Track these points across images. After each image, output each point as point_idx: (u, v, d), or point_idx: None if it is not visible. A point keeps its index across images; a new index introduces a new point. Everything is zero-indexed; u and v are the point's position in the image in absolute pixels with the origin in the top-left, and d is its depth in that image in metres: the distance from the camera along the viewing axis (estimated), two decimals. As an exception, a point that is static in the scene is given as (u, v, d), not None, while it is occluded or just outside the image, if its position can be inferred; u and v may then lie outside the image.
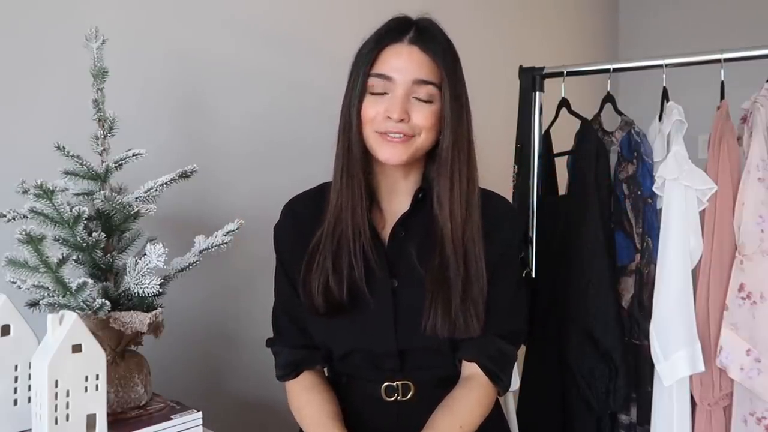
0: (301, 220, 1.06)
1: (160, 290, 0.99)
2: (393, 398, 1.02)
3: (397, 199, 1.05)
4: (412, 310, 0.99)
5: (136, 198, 1.05)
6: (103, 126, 1.05)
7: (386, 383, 1.02)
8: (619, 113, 1.59)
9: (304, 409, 1.03)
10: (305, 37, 1.64)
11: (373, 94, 0.97)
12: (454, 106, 0.97)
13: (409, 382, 1.02)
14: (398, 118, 0.95)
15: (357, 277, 0.98)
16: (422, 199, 1.03)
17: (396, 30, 0.98)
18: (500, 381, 1.02)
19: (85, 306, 0.93)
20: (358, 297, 0.99)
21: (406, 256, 1.01)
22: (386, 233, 1.04)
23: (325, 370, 1.12)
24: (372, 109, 0.97)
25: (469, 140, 1.00)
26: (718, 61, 1.45)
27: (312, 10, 1.66)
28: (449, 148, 0.98)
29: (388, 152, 0.97)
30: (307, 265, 1.01)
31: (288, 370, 1.06)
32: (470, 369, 1.03)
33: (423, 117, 0.96)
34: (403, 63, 0.95)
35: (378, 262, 1.01)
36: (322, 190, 1.06)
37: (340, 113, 1.01)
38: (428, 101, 0.96)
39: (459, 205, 0.99)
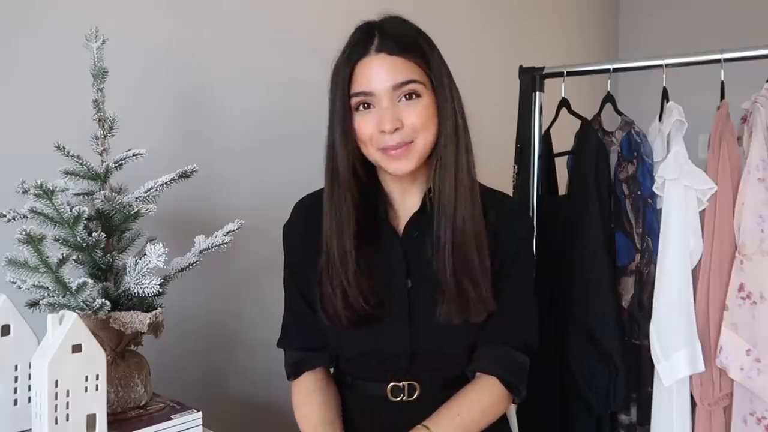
0: (312, 221, 1.06)
1: (160, 290, 0.99)
2: (398, 398, 1.02)
3: (410, 199, 1.06)
4: (426, 310, 0.99)
5: (136, 198, 1.05)
6: (103, 126, 1.05)
7: (392, 383, 1.02)
8: (619, 113, 1.59)
9: (302, 412, 1.04)
10: (304, 34, 1.64)
11: (360, 110, 0.97)
12: (439, 93, 0.97)
13: (415, 383, 1.02)
14: (391, 129, 0.94)
15: (368, 297, 0.98)
16: (431, 198, 1.03)
17: (361, 41, 0.97)
18: (519, 392, 1.03)
19: (85, 306, 0.93)
20: (375, 309, 0.99)
21: (420, 255, 1.02)
22: (401, 232, 1.05)
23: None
24: (366, 126, 0.96)
25: (456, 124, 0.99)
26: (718, 61, 1.45)
27: (311, 9, 1.66)
28: (440, 137, 0.98)
29: (394, 166, 0.97)
30: (320, 281, 1.01)
31: (289, 371, 1.08)
32: (486, 376, 1.03)
33: (415, 116, 0.95)
34: (377, 73, 0.94)
35: (395, 263, 1.02)
36: None
37: (327, 137, 1.00)
38: (416, 97, 0.96)
39: (449, 193, 0.98)
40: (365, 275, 0.99)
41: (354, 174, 0.99)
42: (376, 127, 0.95)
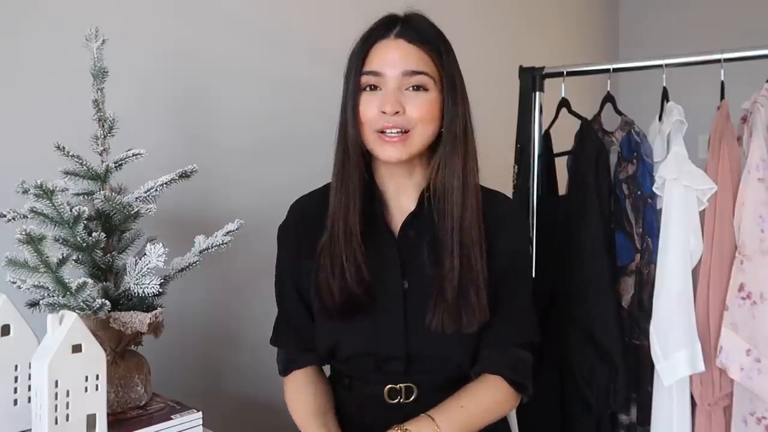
0: (307, 221, 1.06)
1: (160, 290, 0.99)
2: (396, 401, 1.02)
3: (405, 198, 1.05)
4: (422, 312, 0.98)
5: (136, 198, 1.05)
6: (103, 126, 1.05)
7: (389, 385, 1.02)
8: (619, 113, 1.59)
9: (293, 404, 1.06)
10: (304, 34, 1.64)
11: (366, 91, 0.97)
12: (450, 95, 0.97)
13: (412, 385, 1.02)
14: (392, 111, 0.94)
15: (365, 279, 0.98)
16: (429, 198, 1.03)
17: (383, 27, 0.98)
18: (526, 389, 1.03)
19: (85, 306, 0.93)
20: (369, 299, 0.99)
21: (417, 256, 1.01)
22: (397, 232, 1.04)
23: (329, 368, 1.13)
24: (368, 107, 0.97)
25: (465, 128, 0.99)
26: (718, 61, 1.45)
27: (312, 9, 1.66)
28: (446, 138, 0.99)
29: (387, 152, 0.97)
30: (318, 262, 1.01)
31: (280, 368, 1.10)
32: (491, 375, 1.03)
33: (417, 107, 0.96)
34: (391, 56, 0.96)
35: (390, 263, 1.01)
36: (328, 190, 1.06)
37: (339, 116, 1.01)
38: (422, 89, 0.96)
39: (456, 196, 0.98)
40: (364, 263, 0.99)
41: (363, 155, 1.00)
42: (377, 108, 0.96)
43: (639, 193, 1.49)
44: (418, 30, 0.98)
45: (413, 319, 1.00)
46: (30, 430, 0.91)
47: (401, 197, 1.05)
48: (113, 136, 1.06)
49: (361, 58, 0.97)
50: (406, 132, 0.96)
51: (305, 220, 1.07)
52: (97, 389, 0.89)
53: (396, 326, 1.00)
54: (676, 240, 1.39)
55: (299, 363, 1.08)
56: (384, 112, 0.95)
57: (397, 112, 0.95)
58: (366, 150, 1.00)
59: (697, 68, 1.52)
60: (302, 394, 1.05)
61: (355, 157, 0.99)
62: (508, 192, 1.65)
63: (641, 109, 1.70)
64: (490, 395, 1.01)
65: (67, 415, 0.87)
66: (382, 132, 0.96)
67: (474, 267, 0.98)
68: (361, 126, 0.98)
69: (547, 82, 1.70)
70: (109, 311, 0.96)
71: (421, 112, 0.96)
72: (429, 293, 0.98)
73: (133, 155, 1.05)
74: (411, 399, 1.02)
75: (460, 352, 1.02)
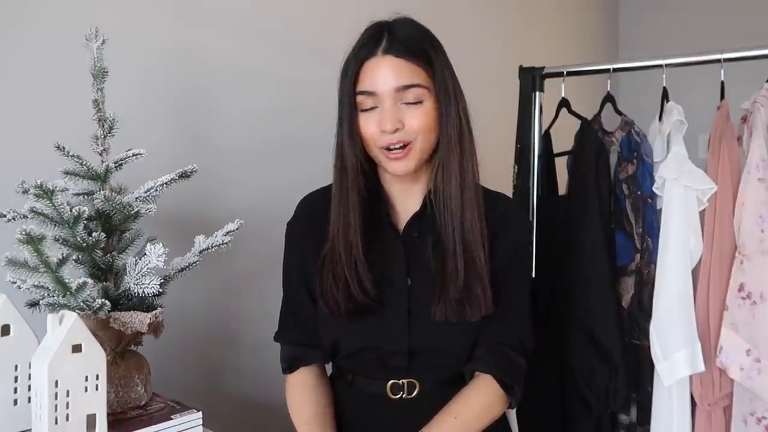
0: (316, 217, 1.06)
1: (160, 290, 0.99)
2: (398, 396, 1.02)
3: (411, 200, 1.07)
4: (424, 309, 0.99)
5: (136, 198, 1.05)
6: (103, 126, 1.05)
7: (392, 381, 1.03)
8: (619, 113, 1.59)
9: (294, 407, 1.06)
10: (305, 35, 1.64)
11: (364, 110, 0.98)
12: (443, 98, 0.98)
13: (414, 381, 1.03)
14: (391, 129, 0.95)
15: (368, 288, 0.99)
16: (431, 200, 1.04)
17: (370, 41, 0.98)
18: (515, 393, 1.03)
19: (85, 306, 0.93)
20: (374, 303, 1.00)
21: (420, 255, 1.03)
22: (401, 231, 1.06)
23: (330, 366, 1.13)
24: (368, 126, 0.98)
25: (460, 127, 1.00)
26: (718, 61, 1.45)
27: (313, 9, 1.66)
28: (442, 140, 1.00)
29: (393, 167, 0.99)
30: (320, 273, 1.02)
31: (285, 365, 1.09)
32: (483, 376, 1.03)
33: (416, 120, 0.97)
34: (382, 75, 0.96)
35: (396, 261, 1.02)
36: None
37: (336, 133, 1.02)
38: (418, 102, 0.97)
39: (455, 196, 0.99)
40: (367, 269, 1.00)
41: (361, 171, 1.01)
42: (377, 127, 0.97)
43: (639, 193, 1.49)
44: (405, 41, 0.97)
45: (416, 315, 1.01)
46: (30, 430, 0.92)
47: (407, 199, 1.07)
48: (113, 136, 1.06)
49: (353, 77, 0.98)
50: (408, 144, 0.97)
51: (313, 218, 1.08)
52: (97, 389, 0.89)
53: (399, 322, 1.01)
54: (676, 240, 1.39)
55: (305, 360, 1.08)
56: (384, 131, 0.96)
57: (397, 129, 0.96)
58: (365, 159, 1.01)
59: (697, 68, 1.52)
60: (304, 398, 1.06)
61: (352, 175, 1.00)
62: (508, 192, 1.65)
63: (641, 109, 1.70)
64: (482, 397, 1.02)
65: (67, 415, 0.87)
66: (387, 149, 0.98)
67: (478, 264, 0.99)
68: (365, 143, 1.00)
69: (547, 82, 1.70)
70: (109, 311, 0.96)
71: (420, 123, 0.97)
72: (431, 289, 0.99)
73: (133, 155, 1.05)
74: (413, 395, 1.02)
75: (461, 345, 1.03)
